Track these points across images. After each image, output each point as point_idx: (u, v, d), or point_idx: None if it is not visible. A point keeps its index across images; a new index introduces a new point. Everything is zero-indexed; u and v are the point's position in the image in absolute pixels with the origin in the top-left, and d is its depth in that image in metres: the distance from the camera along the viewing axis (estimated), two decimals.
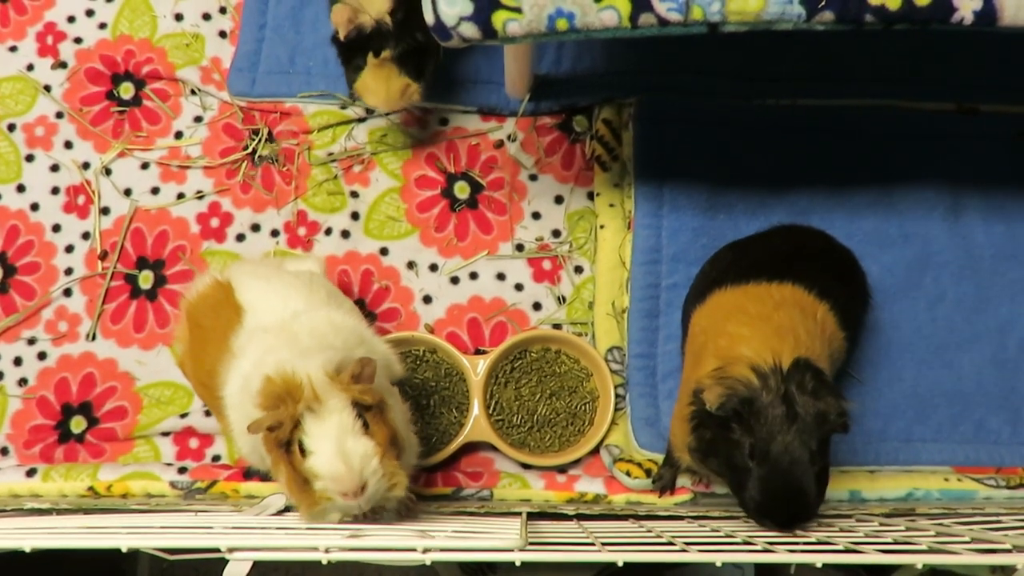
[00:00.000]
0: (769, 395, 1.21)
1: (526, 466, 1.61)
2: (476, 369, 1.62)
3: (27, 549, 0.92)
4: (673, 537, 1.14)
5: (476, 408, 1.59)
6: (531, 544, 0.98)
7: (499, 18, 1.24)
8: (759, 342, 1.28)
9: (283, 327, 1.27)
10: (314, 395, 1.11)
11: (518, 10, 1.23)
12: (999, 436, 1.63)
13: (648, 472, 1.55)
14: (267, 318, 1.30)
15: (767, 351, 1.25)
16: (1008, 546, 1.03)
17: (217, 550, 0.92)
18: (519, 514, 1.36)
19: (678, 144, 1.74)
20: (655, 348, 1.65)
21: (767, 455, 1.20)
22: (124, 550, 0.91)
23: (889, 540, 1.12)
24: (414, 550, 0.92)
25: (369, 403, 1.14)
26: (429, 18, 1.26)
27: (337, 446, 1.10)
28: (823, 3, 1.21)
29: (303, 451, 1.12)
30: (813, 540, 1.15)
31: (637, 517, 1.49)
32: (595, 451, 1.62)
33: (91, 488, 1.54)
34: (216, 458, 1.63)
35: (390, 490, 1.14)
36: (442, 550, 0.92)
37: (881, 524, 1.32)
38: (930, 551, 1.01)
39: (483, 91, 1.81)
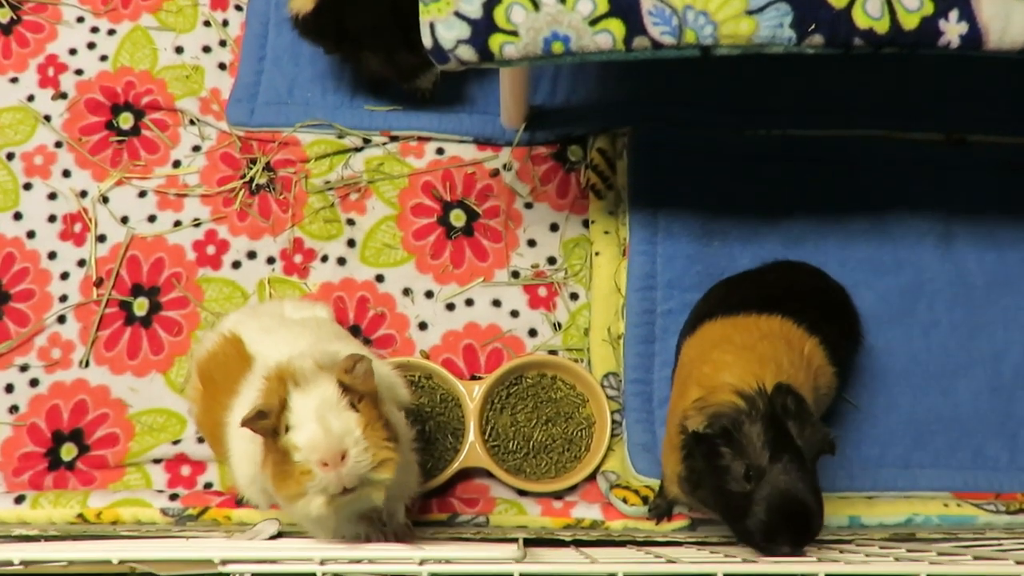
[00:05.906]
0: (758, 415, 1.19)
1: (522, 492, 1.59)
2: (472, 395, 1.61)
3: (16, 562, 0.90)
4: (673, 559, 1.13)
5: (472, 434, 1.58)
6: (529, 560, 0.97)
7: (496, 41, 1.26)
8: (741, 368, 1.27)
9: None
10: (303, 376, 1.10)
11: (515, 33, 1.25)
12: (997, 462, 1.63)
13: (645, 499, 1.53)
14: (275, 361, 1.31)
15: (750, 376, 1.24)
16: (1010, 561, 1.02)
17: (210, 563, 0.90)
18: (515, 540, 1.34)
19: (672, 173, 1.75)
20: (651, 374, 1.64)
21: (766, 475, 1.16)
22: (115, 562, 0.89)
23: (891, 559, 1.12)
24: (412, 562, 0.90)
25: (360, 390, 1.12)
26: (427, 41, 1.28)
27: (317, 415, 1.07)
28: (813, 27, 1.23)
29: (287, 430, 1.09)
30: (814, 559, 1.14)
31: (636, 543, 1.47)
32: (592, 477, 1.60)
33: (80, 515, 1.52)
34: (208, 485, 1.60)
35: (376, 470, 1.08)
36: (438, 561, 0.91)
37: (882, 548, 1.31)
38: (931, 563, 1.00)
39: (479, 121, 1.83)
